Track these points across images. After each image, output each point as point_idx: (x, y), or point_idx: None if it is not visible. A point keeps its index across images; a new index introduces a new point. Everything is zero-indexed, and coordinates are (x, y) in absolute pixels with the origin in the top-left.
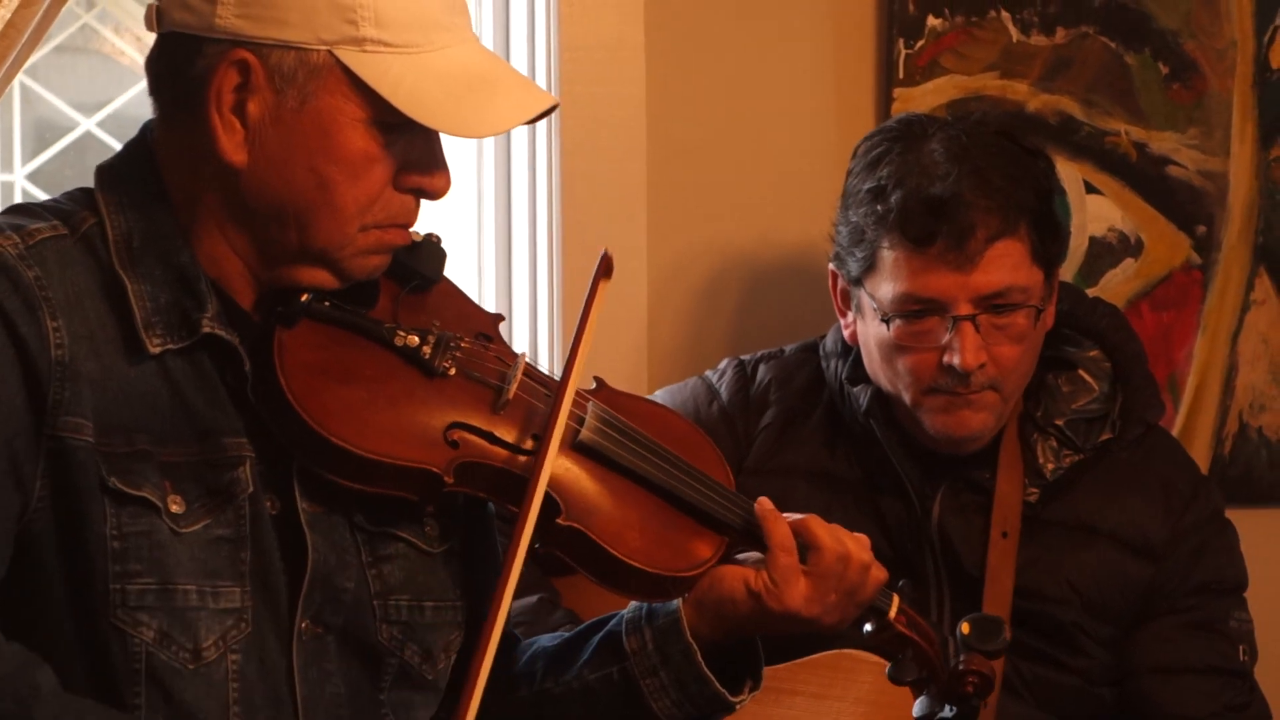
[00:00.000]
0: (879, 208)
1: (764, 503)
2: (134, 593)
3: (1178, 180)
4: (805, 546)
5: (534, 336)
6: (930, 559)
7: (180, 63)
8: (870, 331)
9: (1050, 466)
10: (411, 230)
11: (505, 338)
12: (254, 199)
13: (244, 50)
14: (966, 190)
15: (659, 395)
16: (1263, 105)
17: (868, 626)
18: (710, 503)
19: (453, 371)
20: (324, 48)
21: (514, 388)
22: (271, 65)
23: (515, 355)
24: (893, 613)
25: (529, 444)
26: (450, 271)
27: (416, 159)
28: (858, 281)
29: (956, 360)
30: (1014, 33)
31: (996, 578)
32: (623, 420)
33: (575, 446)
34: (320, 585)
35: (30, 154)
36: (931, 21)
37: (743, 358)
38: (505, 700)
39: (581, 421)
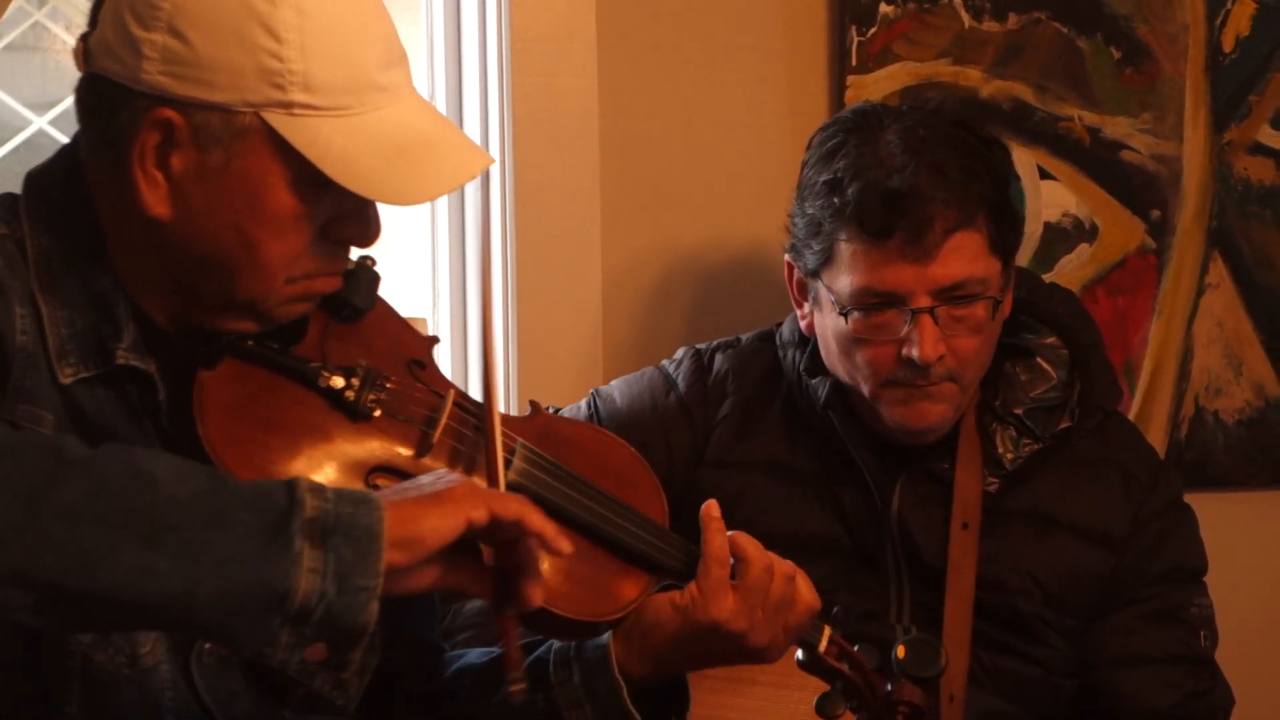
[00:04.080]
0: (835, 200)
1: (711, 508)
2: None
3: (1131, 165)
4: (734, 560)
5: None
6: (890, 550)
7: (104, 108)
8: (828, 324)
9: (1010, 456)
10: None
11: (459, 337)
12: (178, 249)
13: (168, 109)
14: (924, 183)
15: (615, 385)
16: (1215, 89)
17: (799, 655)
18: (639, 543)
19: (377, 413)
20: (250, 110)
21: (439, 431)
22: (196, 124)
23: (447, 386)
24: (823, 645)
25: None
26: (405, 264)
27: (347, 211)
28: (815, 274)
29: (915, 353)
30: (966, 19)
31: (959, 570)
32: (550, 460)
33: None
34: None
35: None
36: (884, 8)
37: (699, 346)
38: (428, 717)
39: (509, 463)
